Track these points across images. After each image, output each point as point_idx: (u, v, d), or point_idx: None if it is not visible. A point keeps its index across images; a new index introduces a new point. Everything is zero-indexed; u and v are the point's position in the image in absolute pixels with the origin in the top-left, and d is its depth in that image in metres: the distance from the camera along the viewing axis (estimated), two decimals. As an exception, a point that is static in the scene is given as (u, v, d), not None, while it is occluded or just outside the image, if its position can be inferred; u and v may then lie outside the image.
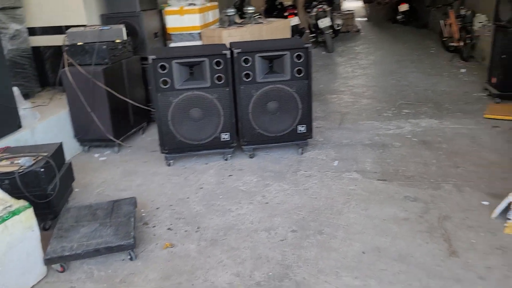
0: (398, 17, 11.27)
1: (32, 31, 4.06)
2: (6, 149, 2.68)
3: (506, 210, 2.36)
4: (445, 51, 7.24)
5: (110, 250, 2.18)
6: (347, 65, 6.86)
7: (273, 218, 2.54)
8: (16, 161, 2.42)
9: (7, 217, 1.90)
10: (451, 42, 6.95)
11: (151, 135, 4.04)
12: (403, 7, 11.05)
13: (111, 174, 3.28)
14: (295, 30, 7.85)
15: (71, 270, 2.17)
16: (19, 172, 2.33)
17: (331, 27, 7.99)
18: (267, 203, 2.73)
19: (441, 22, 7.42)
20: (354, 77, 6.05)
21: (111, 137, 3.58)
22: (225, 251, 2.25)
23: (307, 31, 8.84)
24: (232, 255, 2.22)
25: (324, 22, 7.74)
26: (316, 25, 8.02)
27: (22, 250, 1.98)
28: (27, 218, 2.00)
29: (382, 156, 3.31)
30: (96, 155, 3.66)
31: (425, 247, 2.20)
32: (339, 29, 8.58)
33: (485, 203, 2.56)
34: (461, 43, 6.48)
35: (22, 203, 2.01)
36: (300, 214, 2.57)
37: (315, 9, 7.95)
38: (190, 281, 2.05)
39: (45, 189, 2.40)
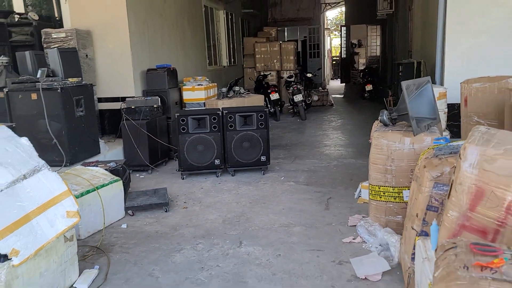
0: (366, 94, 13.94)
1: (99, 99, 6.47)
2: (97, 161, 4.93)
3: (359, 192, 4.56)
4: (388, 120, 9.64)
5: (156, 205, 4.36)
6: (313, 129, 9.25)
7: (241, 198, 4.74)
8: (108, 164, 4.66)
9: (113, 181, 4.12)
10: (390, 113, 9.38)
11: (170, 166, 6.29)
12: (369, 87, 13.74)
13: (148, 183, 5.49)
14: (276, 102, 10.38)
15: (137, 215, 4.33)
16: (110, 169, 4.56)
17: (304, 101, 10.50)
18: (238, 193, 4.92)
19: (384, 99, 9.94)
20: (315, 136, 8.40)
21: (148, 164, 5.84)
22: (214, 209, 4.43)
23: (287, 104, 11.41)
24: (218, 210, 4.39)
25: (298, 97, 10.27)
26: (292, 99, 10.55)
27: (117, 200, 4.17)
28: (120, 185, 4.21)
29: (311, 176, 5.54)
30: (137, 174, 5.88)
31: (315, 207, 4.37)
32: (310, 103, 11.10)
33: (355, 193, 4.76)
34: (394, 114, 8.90)
35: (117, 178, 4.23)
36: (255, 197, 4.76)
37: (291, 88, 10.52)
38: (196, 218, 4.21)
39: (121, 179, 4.61)
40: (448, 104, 5.10)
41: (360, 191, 4.53)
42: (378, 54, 17.41)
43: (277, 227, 3.90)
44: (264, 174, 5.65)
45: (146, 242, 3.69)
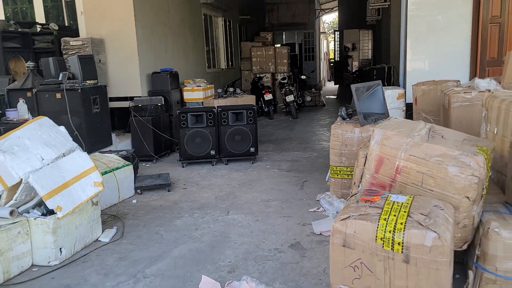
0: (356, 95, 14.83)
1: (110, 99, 7.39)
2: (110, 151, 5.85)
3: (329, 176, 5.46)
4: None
5: (160, 186, 5.28)
6: (302, 126, 10.16)
7: (231, 181, 5.65)
8: (120, 152, 5.58)
9: (125, 165, 5.04)
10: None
11: (172, 157, 7.21)
12: (358, 88, 14.63)
13: (153, 170, 6.40)
14: (270, 102, 11.30)
15: (144, 194, 5.25)
16: (122, 156, 5.48)
17: (295, 101, 11.43)
18: (229, 178, 5.84)
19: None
20: (303, 132, 9.31)
21: (153, 154, 6.76)
22: (208, 190, 5.35)
23: (280, 104, 12.33)
24: (211, 190, 5.31)
25: (289, 98, 11.19)
26: (285, 100, 11.47)
27: (128, 180, 5.08)
28: (130, 168, 5.13)
29: (293, 164, 6.45)
30: (143, 164, 6.79)
31: (292, 188, 5.28)
32: (301, 103, 12.03)
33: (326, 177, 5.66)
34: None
35: (128, 162, 5.15)
36: (244, 181, 5.68)
37: (284, 89, 11.44)
38: (193, 196, 5.13)
39: (131, 164, 5.53)
40: (408, 104, 6.00)
41: (329, 174, 5.43)
42: (370, 57, 18.31)
43: (258, 202, 4.82)
44: (253, 163, 6.56)
45: (152, 212, 4.61)
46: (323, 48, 24.61)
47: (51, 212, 3.43)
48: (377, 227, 2.25)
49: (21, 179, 3.30)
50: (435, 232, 2.14)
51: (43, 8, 7.81)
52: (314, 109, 13.38)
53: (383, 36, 12.69)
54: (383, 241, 2.22)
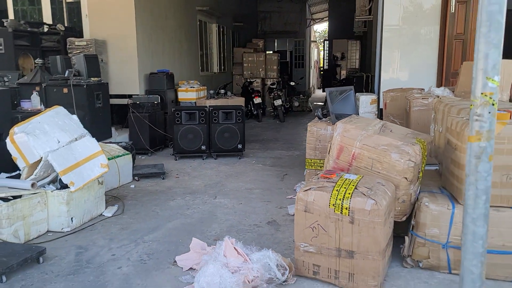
0: (342, 102, 15.56)
1: (110, 96, 7.98)
2: (111, 142, 6.44)
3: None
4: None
5: (156, 174, 5.89)
6: (288, 129, 10.82)
7: (219, 173, 6.28)
8: (119, 144, 6.17)
9: (125, 154, 5.64)
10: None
11: (166, 151, 7.81)
12: (344, 95, 15.36)
13: (149, 162, 7.00)
14: (259, 106, 11.96)
15: (141, 181, 5.85)
16: (122, 146, 6.07)
17: (283, 105, 12.10)
18: (218, 170, 6.46)
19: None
20: (288, 134, 9.97)
21: (148, 148, 7.36)
22: (199, 179, 5.96)
23: (269, 108, 12.99)
24: (201, 179, 5.92)
25: (277, 102, 11.85)
26: (273, 104, 12.13)
27: (127, 167, 5.68)
28: (129, 157, 5.72)
29: (276, 161, 7.09)
30: (139, 156, 7.39)
31: (273, 179, 5.91)
32: (289, 107, 12.71)
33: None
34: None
35: (128, 152, 5.75)
36: (231, 172, 6.30)
37: (272, 93, 12.12)
38: (185, 183, 5.74)
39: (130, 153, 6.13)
40: (381, 108, 6.68)
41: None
42: (357, 66, 19.10)
43: (243, 190, 5.45)
44: (240, 158, 7.19)
45: (149, 195, 5.22)
46: (314, 56, 25.39)
47: (63, 188, 4.03)
48: (331, 196, 2.90)
49: (41, 157, 3.90)
50: (374, 199, 2.79)
51: (50, 9, 8.39)
52: (301, 114, 14.05)
53: (368, 47, 13.44)
54: (335, 206, 2.87)
